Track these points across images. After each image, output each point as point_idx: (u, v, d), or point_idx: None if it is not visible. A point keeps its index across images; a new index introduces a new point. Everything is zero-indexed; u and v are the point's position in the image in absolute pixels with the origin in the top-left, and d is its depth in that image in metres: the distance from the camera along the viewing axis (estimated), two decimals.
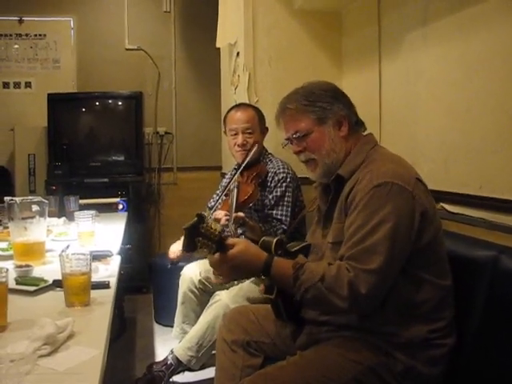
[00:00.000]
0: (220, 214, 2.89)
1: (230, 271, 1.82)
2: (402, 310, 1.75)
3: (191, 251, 1.74)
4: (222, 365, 2.11)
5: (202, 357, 2.95)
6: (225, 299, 2.84)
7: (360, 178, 1.81)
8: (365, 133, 2.05)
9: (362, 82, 3.52)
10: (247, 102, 3.60)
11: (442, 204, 2.57)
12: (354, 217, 1.75)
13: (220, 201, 3.23)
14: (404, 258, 1.72)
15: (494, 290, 1.78)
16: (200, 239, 1.70)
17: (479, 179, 2.35)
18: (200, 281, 3.15)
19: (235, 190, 2.94)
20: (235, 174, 3.06)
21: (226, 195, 3.08)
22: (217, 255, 1.77)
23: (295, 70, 3.65)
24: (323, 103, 1.93)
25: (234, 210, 2.81)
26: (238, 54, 3.81)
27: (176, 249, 3.19)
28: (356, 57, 3.64)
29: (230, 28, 3.91)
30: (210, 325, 2.87)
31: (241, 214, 2.79)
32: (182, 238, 1.75)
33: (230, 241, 1.80)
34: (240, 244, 1.80)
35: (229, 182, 3.10)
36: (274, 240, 1.93)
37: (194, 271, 3.20)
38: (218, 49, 4.40)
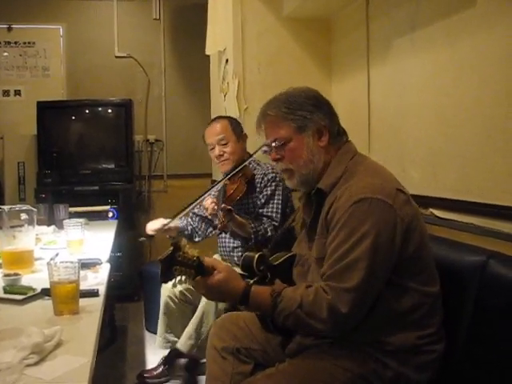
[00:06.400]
0: (207, 201, 2.88)
1: (209, 295, 1.82)
2: (390, 318, 1.74)
3: (168, 281, 1.73)
4: (212, 372, 2.09)
5: (202, 344, 2.88)
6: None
7: (339, 195, 1.78)
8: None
9: (350, 87, 3.54)
10: (237, 109, 3.61)
11: (430, 209, 2.59)
12: (334, 234, 1.73)
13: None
14: (387, 272, 1.70)
15: (483, 295, 1.78)
16: (177, 267, 1.69)
17: (467, 185, 2.36)
18: (181, 292, 3.17)
19: (222, 189, 2.98)
20: (221, 180, 3.02)
21: (212, 196, 3.06)
22: (197, 279, 1.74)
23: (284, 76, 3.66)
24: (304, 111, 1.89)
25: (221, 202, 2.84)
26: (227, 61, 3.82)
27: (156, 226, 3.11)
28: (345, 63, 3.66)
29: (219, 35, 3.92)
30: (205, 312, 2.91)
31: (228, 206, 2.82)
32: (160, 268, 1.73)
33: (210, 263, 1.77)
34: (220, 272, 1.76)
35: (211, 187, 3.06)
36: (256, 256, 1.92)
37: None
38: (208, 56, 4.41)
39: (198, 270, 1.72)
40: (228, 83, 3.82)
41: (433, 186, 2.60)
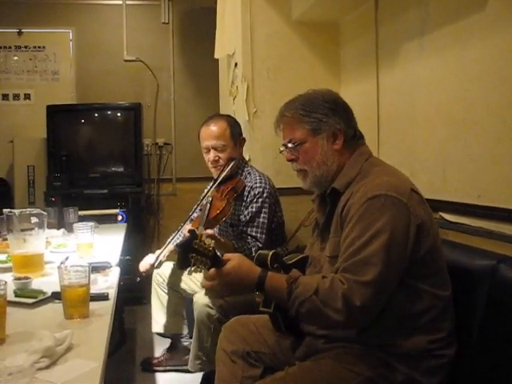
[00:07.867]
0: (186, 229, 2.80)
1: (224, 287, 1.81)
2: (402, 321, 1.74)
3: (185, 268, 1.74)
4: (221, 376, 2.10)
5: (210, 357, 2.75)
6: (201, 300, 2.79)
7: (354, 192, 1.80)
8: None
9: (359, 91, 3.53)
10: (246, 112, 3.61)
11: (440, 213, 2.58)
12: (349, 229, 1.74)
13: (194, 216, 3.17)
14: (401, 270, 1.71)
15: (493, 300, 1.78)
16: (194, 255, 1.69)
17: (477, 188, 2.35)
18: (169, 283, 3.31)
19: (208, 206, 2.87)
20: (209, 189, 2.99)
21: (200, 210, 3.00)
22: (212, 271, 1.77)
23: (293, 80, 3.66)
24: (320, 114, 1.91)
25: (203, 226, 2.73)
26: (236, 64, 3.82)
27: (147, 262, 3.17)
28: (354, 67, 3.65)
29: (228, 39, 3.93)
30: (200, 326, 2.82)
31: (209, 231, 2.69)
32: (176, 256, 1.74)
33: (225, 256, 1.80)
34: (234, 259, 1.79)
35: (203, 197, 3.02)
36: (270, 253, 1.92)
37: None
38: (217, 60, 4.42)
39: (214, 261, 1.73)
40: (237, 87, 3.83)
41: (442, 189, 2.59)
